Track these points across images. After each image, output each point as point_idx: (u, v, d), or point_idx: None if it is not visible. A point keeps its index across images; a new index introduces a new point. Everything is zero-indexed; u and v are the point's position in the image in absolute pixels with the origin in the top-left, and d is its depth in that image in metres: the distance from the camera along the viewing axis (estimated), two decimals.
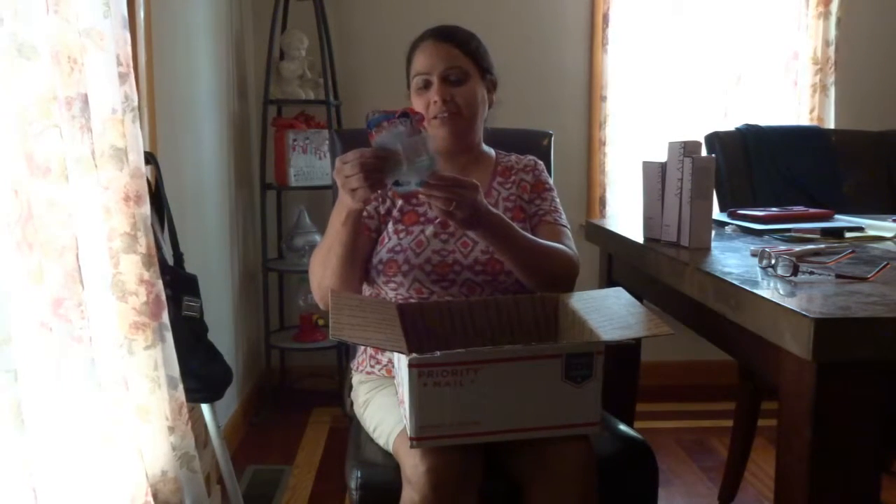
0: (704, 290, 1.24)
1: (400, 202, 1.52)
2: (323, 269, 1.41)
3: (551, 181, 1.65)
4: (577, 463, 1.22)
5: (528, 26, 3.16)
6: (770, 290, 1.10)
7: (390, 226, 1.51)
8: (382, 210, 1.53)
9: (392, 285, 1.47)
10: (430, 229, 1.49)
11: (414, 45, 1.55)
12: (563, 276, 1.45)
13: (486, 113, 1.59)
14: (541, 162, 1.66)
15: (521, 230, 1.42)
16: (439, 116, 1.50)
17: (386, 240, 1.50)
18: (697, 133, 2.18)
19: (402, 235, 1.49)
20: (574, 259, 1.49)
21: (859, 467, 0.99)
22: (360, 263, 1.47)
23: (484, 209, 1.31)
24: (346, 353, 2.69)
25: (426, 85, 1.51)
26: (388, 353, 1.46)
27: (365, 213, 1.49)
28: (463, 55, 1.51)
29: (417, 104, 1.52)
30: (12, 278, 1.07)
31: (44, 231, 1.12)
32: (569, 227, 1.58)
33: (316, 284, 1.45)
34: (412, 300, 1.44)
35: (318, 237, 2.99)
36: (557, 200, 1.61)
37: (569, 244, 1.52)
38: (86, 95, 1.21)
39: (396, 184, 1.25)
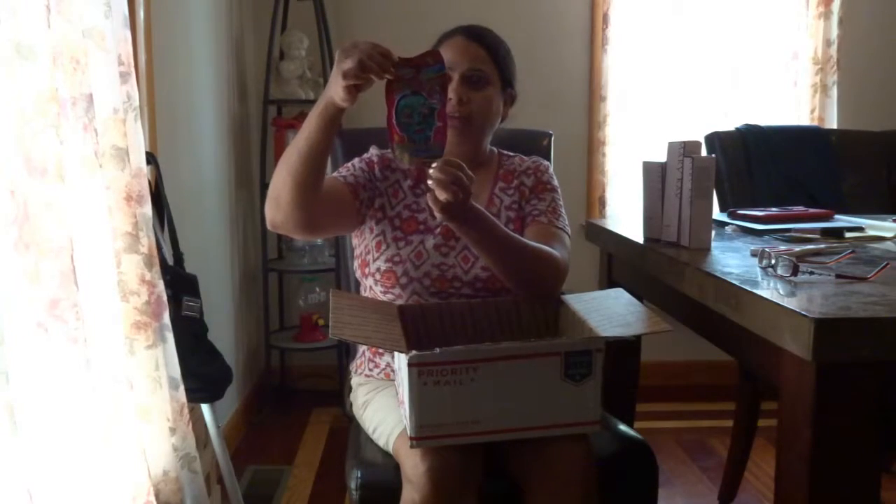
0: (704, 290, 1.24)
1: (399, 206, 1.49)
2: (282, 167, 1.30)
3: (555, 182, 1.58)
4: (577, 462, 1.21)
5: (528, 26, 3.16)
6: (770, 290, 1.10)
7: (388, 232, 1.47)
8: (377, 204, 1.48)
9: (389, 296, 1.45)
10: (430, 241, 1.46)
11: (442, 38, 1.50)
12: (545, 279, 1.40)
13: (497, 125, 1.55)
14: (545, 162, 1.61)
15: (504, 228, 1.36)
16: (451, 117, 1.42)
17: (383, 246, 1.46)
18: (697, 133, 2.17)
19: (401, 245, 1.45)
20: (560, 262, 1.41)
21: (859, 467, 1.00)
22: (320, 177, 1.33)
23: (469, 204, 1.26)
24: (346, 353, 2.69)
25: None
26: (386, 357, 1.45)
27: (361, 175, 1.46)
28: (489, 59, 1.47)
29: None
30: (9, 279, 1.07)
31: (40, 231, 1.11)
32: (565, 230, 1.51)
33: (273, 191, 1.33)
34: None
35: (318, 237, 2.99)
36: (559, 202, 1.54)
37: (558, 247, 1.44)
38: (90, 95, 1.21)
39: (411, 140, 1.23)
